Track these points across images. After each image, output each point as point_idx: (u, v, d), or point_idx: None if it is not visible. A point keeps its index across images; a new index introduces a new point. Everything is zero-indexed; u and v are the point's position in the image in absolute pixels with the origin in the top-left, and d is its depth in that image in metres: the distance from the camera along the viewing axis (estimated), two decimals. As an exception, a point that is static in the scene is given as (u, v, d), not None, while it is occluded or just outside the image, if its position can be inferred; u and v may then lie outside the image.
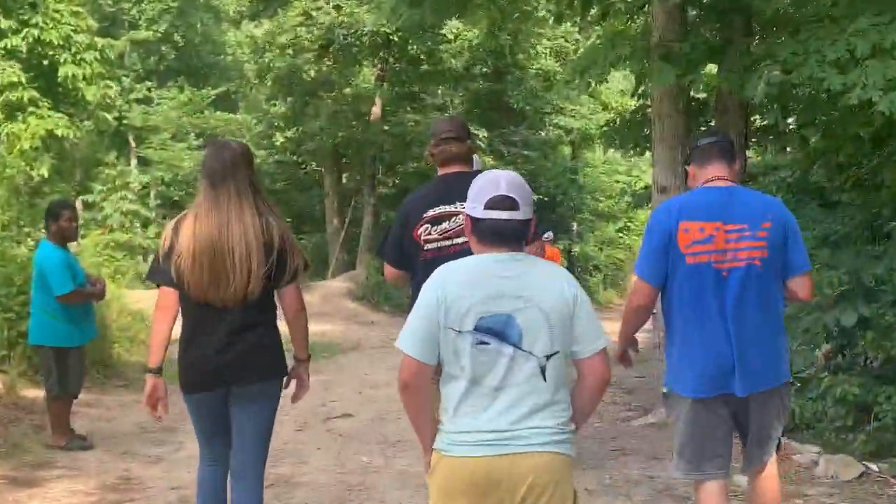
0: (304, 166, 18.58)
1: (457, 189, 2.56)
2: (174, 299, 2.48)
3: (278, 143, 17.48)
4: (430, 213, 2.78)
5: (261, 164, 18.15)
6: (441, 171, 2.86)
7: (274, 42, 15.96)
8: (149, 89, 18.91)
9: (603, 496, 4.13)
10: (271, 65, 15.97)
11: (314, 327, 5.01)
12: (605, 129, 9.83)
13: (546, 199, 17.76)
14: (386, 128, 16.31)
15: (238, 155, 2.50)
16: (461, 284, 1.76)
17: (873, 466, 4.71)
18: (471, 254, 1.89)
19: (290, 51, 15.76)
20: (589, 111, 19.45)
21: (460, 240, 2.49)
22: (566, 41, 17.66)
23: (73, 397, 5.13)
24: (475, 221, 1.81)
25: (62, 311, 4.92)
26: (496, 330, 1.76)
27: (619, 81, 17.38)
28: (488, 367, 1.76)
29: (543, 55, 17.76)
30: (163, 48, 19.28)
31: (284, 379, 2.67)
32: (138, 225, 17.43)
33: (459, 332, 1.74)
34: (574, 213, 19.61)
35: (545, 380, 1.77)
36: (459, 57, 16.88)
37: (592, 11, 7.20)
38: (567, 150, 20.43)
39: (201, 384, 2.53)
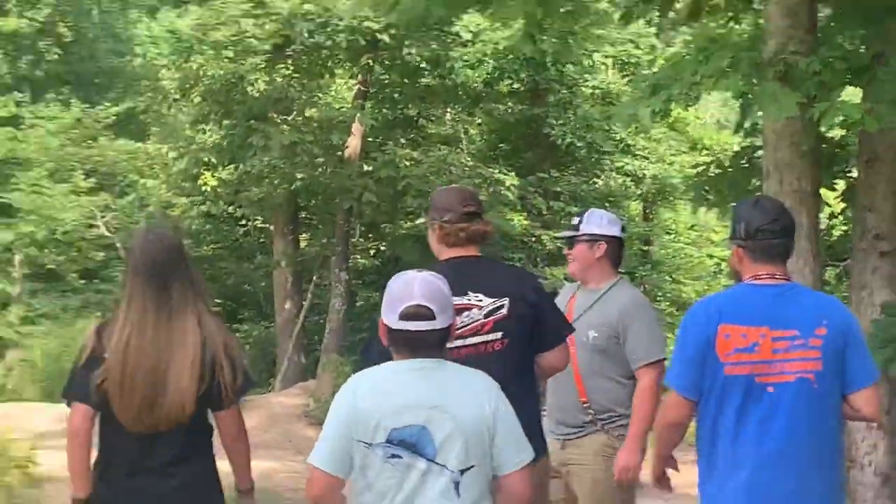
0: (244, 222, 16.34)
1: (470, 277, 2.97)
2: (90, 421, 2.79)
3: (207, 188, 14.76)
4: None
5: (183, 213, 15.87)
6: (448, 255, 3.12)
7: (206, 39, 13.82)
8: (17, 104, 17.17)
9: None
10: (201, 72, 13.85)
11: (252, 464, 4.38)
12: (694, 178, 9.01)
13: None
14: (368, 168, 13.93)
15: (178, 245, 2.89)
16: (373, 394, 2.10)
17: None
18: (486, 356, 2.67)
19: (229, 52, 13.57)
20: (671, 151, 17.08)
21: (475, 339, 2.87)
22: (637, 47, 15.31)
23: None
24: (389, 331, 2.19)
25: None
26: (409, 442, 2.08)
27: (716, 109, 16.13)
28: (398, 482, 2.06)
29: (603, 67, 15.35)
30: (41, 44, 17.50)
31: None
32: None
33: (370, 444, 2.06)
34: (649, 292, 16.64)
35: (459, 496, 2.07)
36: (479, 67, 14.51)
37: (678, 5, 7.10)
38: (637, 206, 18.18)
39: None
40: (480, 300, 2.87)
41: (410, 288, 2.09)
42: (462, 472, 2.06)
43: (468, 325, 2.80)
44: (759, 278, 2.58)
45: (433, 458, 2.05)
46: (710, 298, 3.05)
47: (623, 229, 3.88)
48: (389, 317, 2.09)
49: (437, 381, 2.10)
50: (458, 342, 2.70)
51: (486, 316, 2.85)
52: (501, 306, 2.86)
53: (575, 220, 3.85)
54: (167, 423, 2.59)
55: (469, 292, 2.82)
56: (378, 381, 2.14)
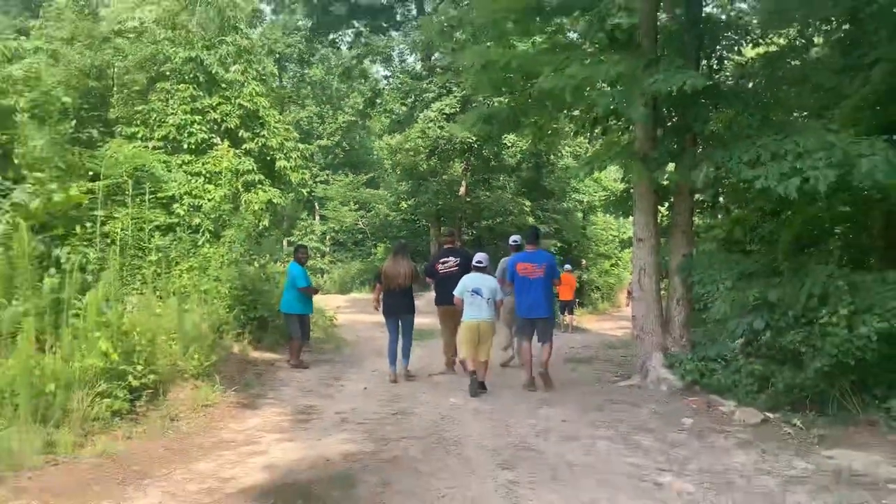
0: (417, 222, 29.11)
1: (449, 252, 9.70)
2: (381, 286, 9.10)
3: (403, 207, 28.60)
4: (442, 259, 9.65)
5: (392, 219, 29.65)
6: (447, 245, 9.96)
7: (402, 148, 24.76)
8: (327, 175, 31.23)
9: (601, 429, 6.73)
10: (400, 161, 25.30)
11: (419, 319, 9.77)
12: (603, 201, 14.24)
13: (566, 245, 28.27)
14: (468, 200, 25.38)
15: (403, 247, 9.44)
16: (467, 279, 8.61)
17: (770, 415, 7.08)
18: (459, 275, 8.91)
19: (411, 153, 24.38)
20: (594, 190, 30.04)
21: (448, 270, 9.42)
22: (580, 147, 27.95)
23: (305, 340, 10.13)
24: (472, 266, 8.76)
25: (300, 296, 10.11)
26: (475, 289, 8.45)
27: (613, 172, 26.14)
28: (472, 299, 8.47)
29: (566, 156, 28.20)
30: (336, 151, 31.30)
31: (414, 314, 9.20)
32: (318, 255, 29.67)
33: (470, 291, 8.43)
34: (584, 253, 29.94)
35: (488, 305, 8.47)
36: (514, 157, 25.99)
37: (597, 130, 10.46)
38: (580, 214, 31.02)
39: (391, 312, 9.18)
40: (457, 261, 9.56)
41: (479, 255, 8.75)
42: (489, 299, 8.41)
43: (450, 265, 9.65)
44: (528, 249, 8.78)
45: (482, 294, 8.39)
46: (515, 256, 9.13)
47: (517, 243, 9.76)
48: (480, 262, 8.60)
49: (480, 277, 8.53)
50: (447, 269, 9.63)
51: (456, 264, 9.52)
52: (456, 262, 9.58)
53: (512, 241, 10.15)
54: (401, 286, 9.06)
55: (450, 256, 9.70)
56: (468, 277, 8.56)
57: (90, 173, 10.79)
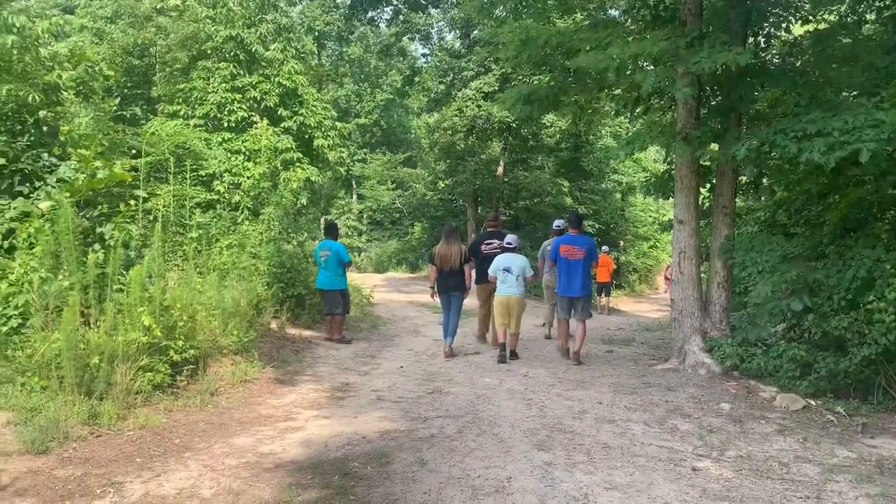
0: (454, 201, 29.08)
1: (492, 235, 10.33)
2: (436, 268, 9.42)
3: (440, 187, 28.46)
4: (486, 241, 10.32)
5: (430, 199, 29.72)
6: (490, 228, 10.60)
7: (439, 126, 24.82)
8: (365, 154, 30.80)
9: (636, 412, 6.74)
10: (437, 140, 25.09)
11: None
12: (643, 182, 12.59)
13: (604, 227, 27.93)
14: (506, 180, 25.13)
15: (454, 230, 9.67)
16: (499, 259, 9.44)
17: (812, 402, 6.96)
18: (497, 254, 9.60)
19: (449, 132, 24.21)
20: (633, 171, 29.71)
21: (492, 251, 9.95)
22: (620, 127, 28.23)
23: (346, 314, 10.54)
24: (501, 248, 9.67)
25: (343, 272, 10.43)
26: (507, 267, 9.30)
27: (654, 153, 26.36)
28: (504, 277, 9.26)
29: (606, 136, 28.08)
30: (374, 129, 31.32)
31: (464, 293, 9.48)
32: (356, 234, 30.00)
33: (502, 270, 9.30)
34: (622, 235, 29.59)
35: (517, 282, 9.26)
36: (552, 137, 25.91)
37: (638, 109, 10.34)
38: (619, 195, 30.71)
39: (444, 291, 9.50)
40: (500, 243, 10.05)
41: (510, 237, 9.61)
42: (518, 276, 9.25)
43: (493, 246, 10.16)
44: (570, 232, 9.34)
45: (512, 272, 9.22)
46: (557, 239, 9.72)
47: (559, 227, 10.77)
48: (510, 244, 9.51)
49: (512, 256, 9.35)
50: (490, 249, 10.17)
51: (499, 246, 10.01)
52: (500, 244, 10.01)
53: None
54: (452, 267, 9.37)
55: (494, 239, 10.29)
56: (500, 257, 9.35)
57: (133, 151, 10.94)
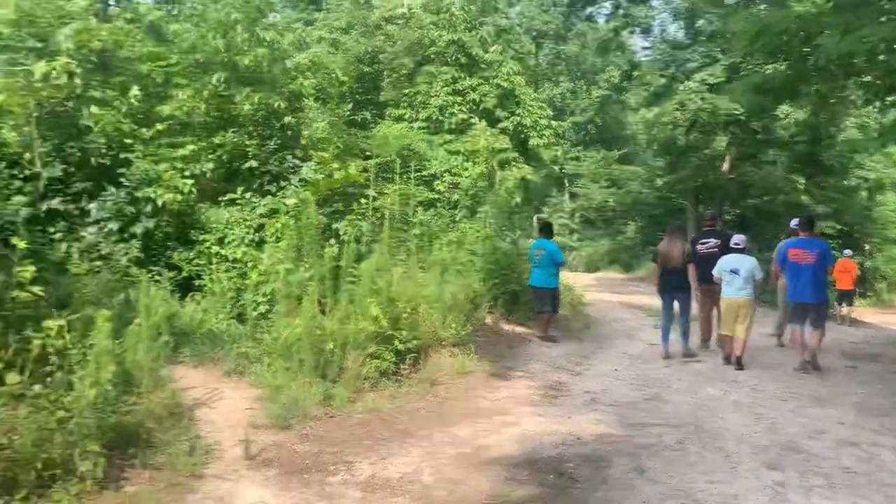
0: (673, 200, 27.71)
1: (709, 234, 10.17)
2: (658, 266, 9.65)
3: (658, 185, 27.70)
4: (702, 241, 10.04)
5: (646, 197, 29.18)
6: (707, 227, 10.50)
7: (658, 122, 24.10)
8: (578, 151, 31.36)
9: (885, 436, 6.23)
10: (656, 136, 24.80)
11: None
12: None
13: (845, 228, 25.12)
14: (732, 177, 23.90)
15: (679, 229, 10.17)
16: (726, 260, 9.11)
17: None
18: (718, 256, 9.31)
19: (669, 127, 23.62)
20: (884, 166, 26.91)
21: (709, 251, 9.70)
22: (867, 118, 25.51)
23: (555, 313, 10.62)
24: (729, 245, 9.24)
25: (556, 271, 10.56)
26: (734, 269, 8.98)
27: None
28: (731, 277, 8.99)
29: (850, 127, 25.50)
30: (588, 127, 31.84)
31: (690, 293, 9.56)
32: (567, 232, 30.24)
33: (728, 271, 8.99)
34: (867, 237, 26.88)
35: (744, 282, 8.92)
36: (787, 129, 23.86)
37: (891, 98, 9.99)
38: (865, 193, 27.63)
39: (666, 290, 9.66)
40: (717, 242, 9.88)
41: (737, 237, 9.27)
42: (745, 278, 8.92)
43: (709, 246, 9.90)
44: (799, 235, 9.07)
45: (739, 273, 8.92)
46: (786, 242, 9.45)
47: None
48: (732, 243, 9.21)
49: (739, 257, 8.99)
50: (706, 249, 9.84)
51: (716, 246, 9.80)
52: (717, 243, 9.82)
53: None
54: (675, 266, 9.42)
55: (711, 238, 10.03)
56: (726, 258, 9.07)
57: (364, 153, 11.75)
